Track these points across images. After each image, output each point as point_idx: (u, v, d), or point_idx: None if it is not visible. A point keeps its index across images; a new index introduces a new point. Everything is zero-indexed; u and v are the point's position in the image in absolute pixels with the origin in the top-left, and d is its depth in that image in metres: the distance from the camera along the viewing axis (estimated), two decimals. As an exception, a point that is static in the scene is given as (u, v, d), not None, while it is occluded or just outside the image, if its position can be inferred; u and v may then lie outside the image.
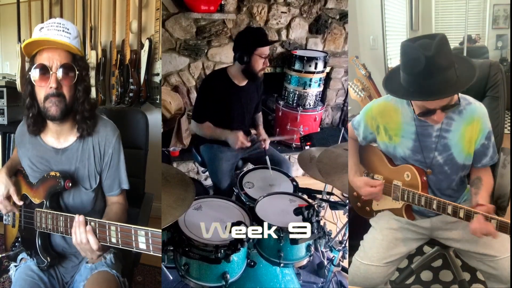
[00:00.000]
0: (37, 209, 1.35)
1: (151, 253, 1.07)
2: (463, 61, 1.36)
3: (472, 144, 1.45)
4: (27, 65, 1.34)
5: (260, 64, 2.13)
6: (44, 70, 1.27)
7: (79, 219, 1.19)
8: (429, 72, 1.24)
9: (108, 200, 1.52)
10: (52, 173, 1.36)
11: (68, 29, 1.31)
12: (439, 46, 1.24)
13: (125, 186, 1.50)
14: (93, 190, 1.44)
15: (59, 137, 1.40)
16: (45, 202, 1.34)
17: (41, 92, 1.29)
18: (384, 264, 1.51)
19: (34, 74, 1.28)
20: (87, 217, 1.20)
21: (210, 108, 2.20)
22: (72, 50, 1.31)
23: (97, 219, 1.18)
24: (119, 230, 1.12)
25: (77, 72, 1.31)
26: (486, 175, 1.49)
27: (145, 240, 1.07)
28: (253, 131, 2.50)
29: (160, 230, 1.06)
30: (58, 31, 1.29)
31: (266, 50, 2.12)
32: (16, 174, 1.47)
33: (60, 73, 1.27)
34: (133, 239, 1.09)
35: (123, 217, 1.48)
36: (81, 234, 1.18)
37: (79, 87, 1.33)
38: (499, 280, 1.43)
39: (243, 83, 2.24)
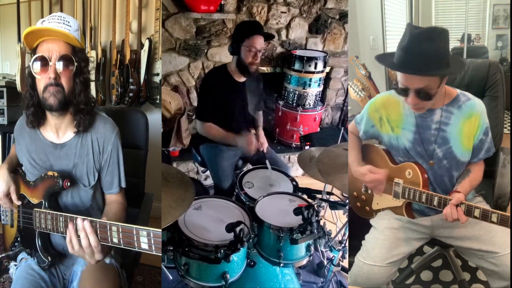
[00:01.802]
0: (36, 209, 1.35)
1: (154, 252, 1.07)
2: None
3: (471, 140, 1.46)
4: (27, 65, 1.34)
5: (249, 57, 2.13)
6: (44, 62, 1.28)
7: (83, 224, 1.13)
8: (410, 46, 1.31)
9: (107, 198, 1.52)
10: (50, 173, 1.36)
11: (68, 22, 1.33)
12: (431, 31, 1.32)
13: (123, 184, 1.51)
14: (91, 187, 1.44)
15: (58, 131, 1.41)
16: (43, 202, 1.34)
17: (41, 83, 1.30)
18: (387, 264, 1.51)
19: (35, 65, 1.29)
20: (87, 218, 1.18)
21: (212, 105, 2.20)
22: (71, 41, 1.32)
23: (98, 220, 1.17)
24: (120, 230, 1.11)
25: (76, 64, 1.32)
26: (476, 170, 1.50)
27: (147, 240, 1.07)
28: (252, 131, 2.51)
29: (161, 230, 1.07)
30: (59, 23, 1.31)
31: (254, 43, 2.10)
32: (14, 173, 1.47)
33: (59, 65, 1.29)
34: (135, 239, 1.09)
35: (122, 216, 1.48)
36: (84, 239, 1.14)
37: (77, 79, 1.34)
38: (500, 276, 1.43)
39: (242, 79, 2.25)
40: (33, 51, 1.33)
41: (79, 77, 1.35)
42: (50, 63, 1.28)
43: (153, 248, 1.06)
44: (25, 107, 1.37)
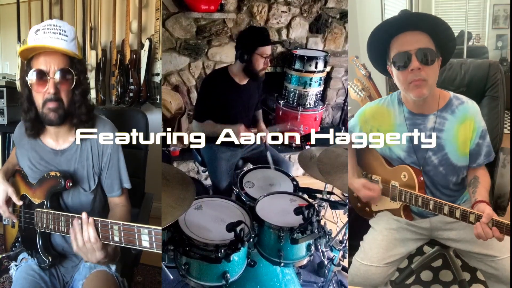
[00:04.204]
0: (38, 209, 1.35)
1: (155, 250, 1.08)
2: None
3: (467, 144, 1.45)
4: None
5: (261, 64, 2.12)
6: (42, 75, 1.26)
7: (83, 218, 1.16)
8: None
9: (111, 202, 1.51)
10: (52, 173, 1.36)
11: (65, 32, 1.30)
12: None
13: (127, 185, 1.50)
14: (91, 192, 1.44)
15: (58, 139, 1.40)
16: (45, 202, 1.34)
17: (39, 97, 1.28)
18: (384, 265, 1.51)
19: (31, 78, 1.27)
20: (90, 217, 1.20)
21: (211, 107, 2.19)
22: (69, 54, 1.30)
23: (99, 218, 1.18)
24: (122, 229, 1.12)
25: (75, 76, 1.30)
26: (483, 174, 1.48)
27: (148, 238, 1.08)
28: (253, 130, 2.50)
29: (161, 228, 1.08)
30: (55, 34, 1.28)
31: (267, 50, 2.11)
32: (14, 174, 1.47)
33: (57, 78, 1.27)
34: (136, 238, 1.09)
35: (127, 220, 1.47)
36: (85, 232, 1.16)
37: (76, 91, 1.33)
38: (499, 280, 1.43)
39: (244, 81, 2.24)
40: (28, 62, 1.29)
41: (78, 88, 1.33)
42: (49, 77, 1.26)
43: (154, 246, 1.07)
44: (23, 119, 1.36)
